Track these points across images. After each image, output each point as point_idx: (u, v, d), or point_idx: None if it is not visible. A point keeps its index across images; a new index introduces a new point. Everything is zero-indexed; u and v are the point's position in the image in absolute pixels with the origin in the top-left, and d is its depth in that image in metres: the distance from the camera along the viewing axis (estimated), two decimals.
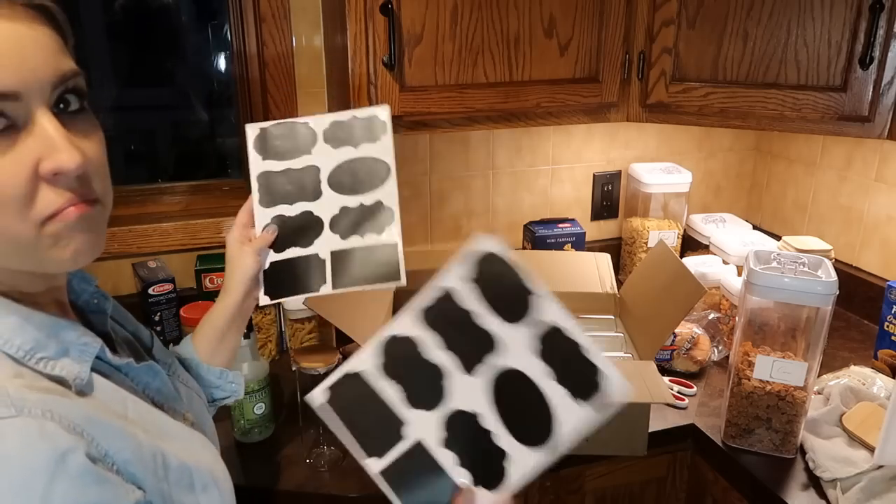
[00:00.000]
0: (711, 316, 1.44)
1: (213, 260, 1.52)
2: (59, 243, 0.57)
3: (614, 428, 1.13)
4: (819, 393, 1.23)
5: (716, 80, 1.32)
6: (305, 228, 0.91)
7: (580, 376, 0.66)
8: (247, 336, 1.16)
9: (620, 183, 1.85)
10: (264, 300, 0.90)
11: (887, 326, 1.37)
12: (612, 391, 0.64)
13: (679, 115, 1.37)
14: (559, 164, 1.79)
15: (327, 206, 0.91)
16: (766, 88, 1.28)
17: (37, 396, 0.53)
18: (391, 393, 0.70)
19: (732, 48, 1.29)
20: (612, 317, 1.48)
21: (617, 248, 1.85)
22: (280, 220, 0.91)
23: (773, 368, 1.08)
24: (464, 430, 0.68)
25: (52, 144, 0.54)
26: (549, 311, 0.69)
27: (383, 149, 0.90)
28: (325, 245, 0.90)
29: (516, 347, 0.68)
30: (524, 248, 1.77)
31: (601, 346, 1.38)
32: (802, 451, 1.13)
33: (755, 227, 1.80)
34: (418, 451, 0.68)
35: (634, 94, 1.39)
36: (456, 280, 0.69)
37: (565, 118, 1.39)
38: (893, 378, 1.31)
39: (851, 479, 1.04)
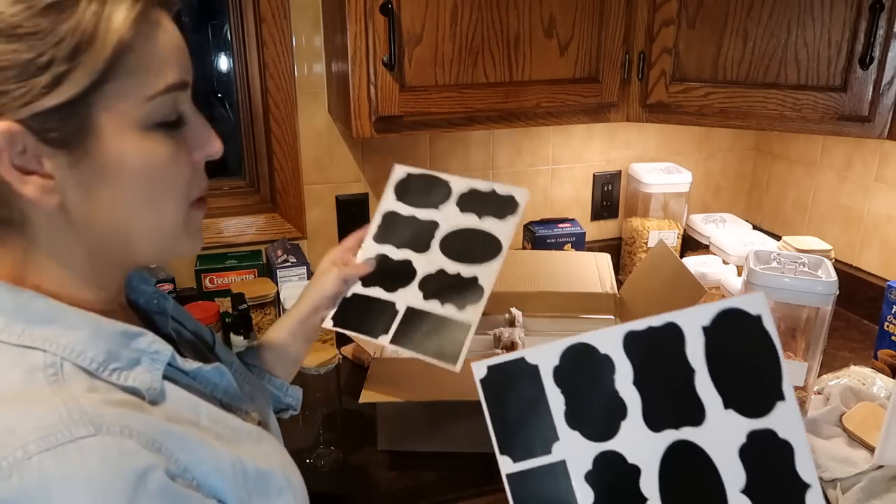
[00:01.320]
0: None
1: (213, 260, 1.53)
2: (193, 230, 0.62)
3: None
4: (819, 393, 1.23)
5: (716, 80, 1.32)
6: (397, 275, 0.90)
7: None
8: (247, 336, 1.16)
9: (620, 183, 1.85)
10: (328, 323, 0.90)
11: (887, 326, 1.37)
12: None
13: (679, 115, 1.37)
14: (559, 164, 1.79)
15: (428, 262, 0.90)
16: (766, 88, 1.28)
17: (114, 412, 0.51)
18: (557, 401, 0.62)
19: (732, 48, 1.29)
20: (612, 317, 1.48)
21: (617, 248, 1.85)
22: (381, 259, 0.91)
23: None
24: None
25: (205, 134, 0.61)
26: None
27: (505, 230, 0.88)
28: (405, 298, 0.89)
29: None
30: (524, 247, 1.77)
31: None
32: None
33: (755, 227, 1.80)
34: (559, 471, 0.62)
35: (634, 94, 1.39)
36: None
37: (565, 118, 1.39)
38: (893, 378, 1.31)
39: (851, 479, 1.04)
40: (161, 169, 0.57)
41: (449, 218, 0.91)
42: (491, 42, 1.27)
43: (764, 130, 1.68)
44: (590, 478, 0.60)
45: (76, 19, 0.49)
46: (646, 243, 1.74)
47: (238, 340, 1.16)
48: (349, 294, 0.90)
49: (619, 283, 1.52)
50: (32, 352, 0.53)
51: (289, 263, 1.49)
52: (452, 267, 0.89)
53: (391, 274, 0.90)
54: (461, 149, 1.69)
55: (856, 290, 1.59)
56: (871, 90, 1.18)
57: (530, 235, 1.71)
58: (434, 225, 0.91)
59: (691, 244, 1.78)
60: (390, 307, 0.88)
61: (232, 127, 1.66)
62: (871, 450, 1.08)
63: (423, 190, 0.93)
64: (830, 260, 1.20)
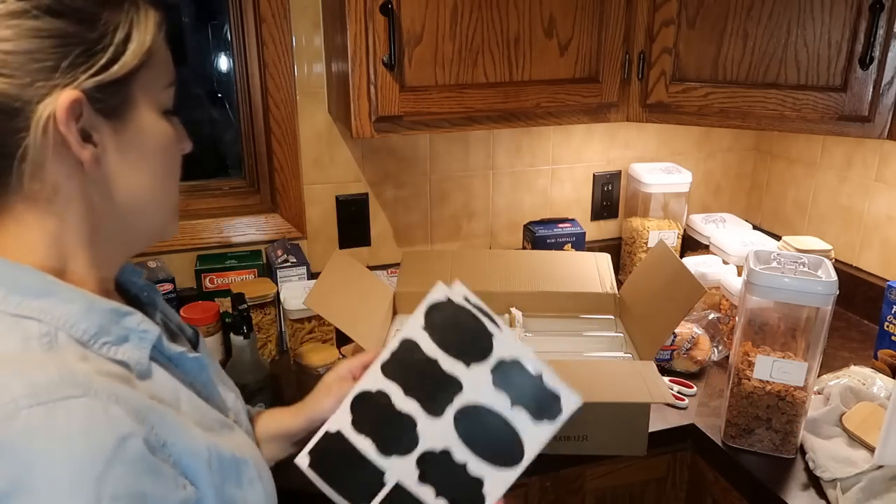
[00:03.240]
0: (711, 316, 1.44)
1: (212, 260, 1.53)
2: (177, 212, 0.70)
3: (614, 428, 1.13)
4: (819, 393, 1.23)
5: (716, 80, 1.32)
6: (396, 432, 0.75)
7: (536, 399, 0.73)
8: (247, 336, 1.16)
9: (620, 183, 1.85)
10: (303, 460, 0.78)
11: (887, 326, 1.37)
12: (566, 406, 0.72)
13: (679, 115, 1.37)
14: (559, 164, 1.79)
15: (435, 433, 0.74)
16: (766, 88, 1.28)
17: (103, 380, 0.54)
18: (366, 445, 0.76)
19: (732, 48, 1.29)
20: (612, 317, 1.48)
21: (617, 248, 1.85)
22: (383, 399, 0.76)
23: (773, 368, 1.08)
24: (438, 467, 0.74)
25: (182, 129, 0.68)
26: (504, 346, 0.74)
27: (535, 437, 0.72)
28: (398, 470, 0.74)
29: (477, 384, 0.74)
30: (524, 247, 1.77)
31: (601, 346, 1.38)
32: (802, 451, 1.13)
33: (755, 227, 1.80)
34: (399, 492, 0.74)
35: (634, 94, 1.39)
36: (414, 330, 0.77)
37: (565, 118, 1.39)
38: (893, 378, 1.31)
39: (851, 479, 1.04)
40: (170, 148, 0.66)
41: (476, 386, 0.74)
42: (491, 42, 1.27)
43: (764, 130, 1.68)
44: (423, 478, 0.74)
45: (126, 13, 0.59)
46: (646, 243, 1.74)
47: (238, 340, 1.16)
48: (334, 429, 0.77)
49: (619, 283, 1.52)
50: (28, 321, 0.55)
51: (289, 263, 1.48)
52: (461, 453, 0.74)
53: (389, 426, 0.76)
54: (461, 149, 1.69)
55: (856, 290, 1.59)
56: (871, 90, 1.18)
57: (530, 235, 1.71)
58: (456, 386, 0.74)
59: (691, 244, 1.78)
60: (378, 475, 0.75)
61: (232, 127, 1.66)
62: (871, 450, 1.08)
63: (460, 329, 0.75)
64: (830, 260, 1.20)
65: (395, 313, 1.47)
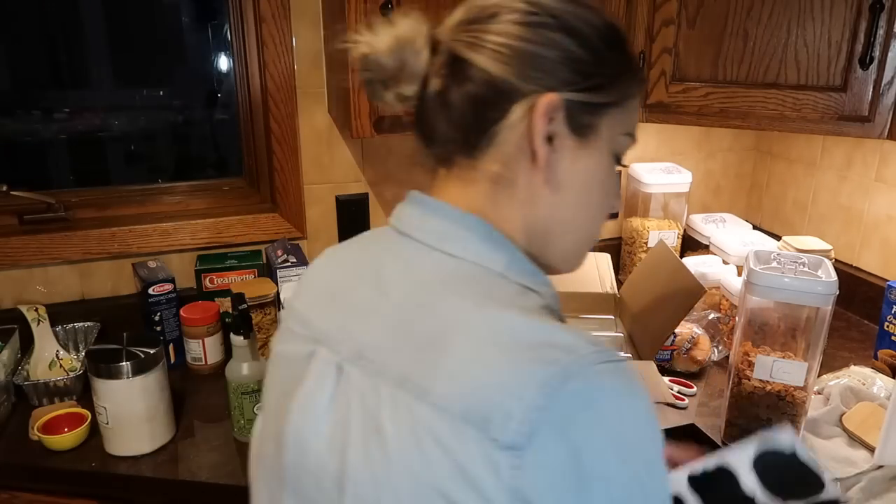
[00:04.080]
0: (711, 316, 1.44)
1: (213, 260, 1.53)
2: (581, 256, 0.75)
3: None
4: (819, 393, 1.23)
5: (716, 80, 1.32)
6: None
7: None
8: (247, 336, 1.16)
9: (620, 183, 1.85)
10: None
11: (887, 326, 1.37)
12: None
13: (679, 115, 1.37)
14: None
15: None
16: (766, 88, 1.28)
17: None
18: None
19: (732, 48, 1.29)
20: (612, 317, 1.48)
21: (617, 248, 1.85)
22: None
23: (773, 368, 1.08)
24: None
25: (618, 190, 0.75)
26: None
27: None
28: None
29: None
30: None
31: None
32: None
33: (755, 227, 1.80)
34: None
35: None
36: (739, 464, 0.75)
37: None
38: (893, 378, 1.31)
39: (851, 479, 1.04)
40: (607, 193, 0.67)
41: None
42: None
43: (764, 130, 1.68)
44: None
45: (625, 63, 0.64)
46: (646, 243, 1.73)
47: (238, 340, 1.16)
48: None
49: (619, 283, 1.52)
50: (530, 292, 0.61)
51: (289, 263, 1.49)
52: None
53: None
54: None
55: (856, 290, 1.59)
56: (871, 90, 1.18)
57: None
58: None
59: (691, 244, 1.78)
60: None
61: (232, 127, 1.66)
62: (871, 450, 1.08)
63: (787, 475, 0.74)
64: (830, 260, 1.20)
65: None
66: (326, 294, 0.66)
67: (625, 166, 0.68)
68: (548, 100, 0.59)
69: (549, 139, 0.61)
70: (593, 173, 0.65)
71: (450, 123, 0.63)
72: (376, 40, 0.63)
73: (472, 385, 0.51)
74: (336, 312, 0.63)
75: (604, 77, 0.62)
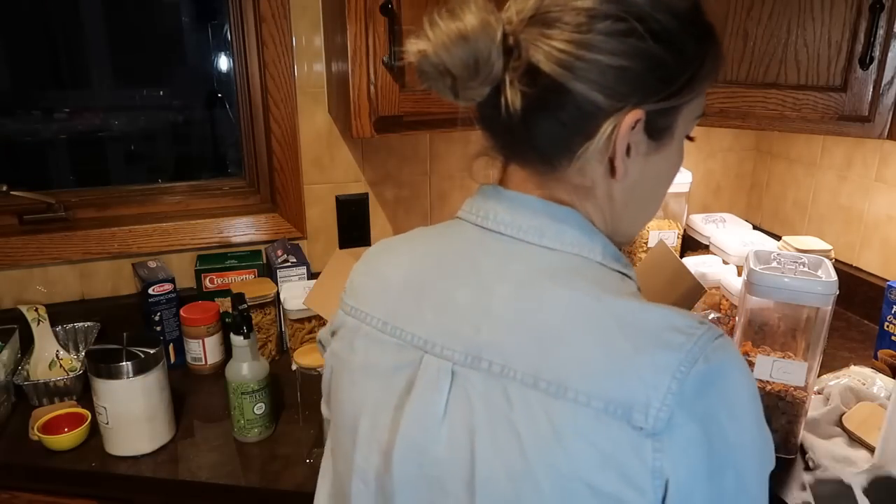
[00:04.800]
0: (711, 316, 1.44)
1: (213, 260, 1.53)
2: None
3: None
4: (819, 393, 1.23)
5: (716, 80, 1.32)
6: None
7: None
8: (247, 336, 1.16)
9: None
10: None
11: (887, 326, 1.37)
12: None
13: None
14: None
15: None
16: (766, 88, 1.28)
17: None
18: None
19: (732, 48, 1.29)
20: None
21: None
22: None
23: (773, 368, 1.08)
24: None
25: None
26: None
27: None
28: None
29: None
30: None
31: None
32: (802, 450, 1.13)
33: (755, 227, 1.80)
34: None
35: None
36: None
37: None
38: (893, 378, 1.31)
39: None
40: (671, 174, 0.67)
41: None
42: None
43: (764, 130, 1.68)
44: None
45: (708, 46, 0.61)
46: (646, 243, 1.73)
47: (238, 340, 1.16)
48: None
49: None
50: (627, 279, 0.62)
51: (289, 263, 1.49)
52: None
53: None
54: (461, 149, 1.69)
55: (856, 290, 1.59)
56: (871, 90, 1.18)
57: None
58: None
59: (691, 244, 1.78)
60: None
61: (232, 127, 1.66)
62: (871, 450, 1.08)
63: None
64: (830, 260, 1.20)
65: None
66: (412, 296, 0.63)
67: (692, 139, 0.68)
68: (634, 117, 0.58)
69: (627, 150, 0.60)
70: (666, 166, 0.65)
71: (529, 140, 0.60)
72: (437, 37, 0.57)
73: (609, 377, 0.52)
74: (434, 315, 0.61)
75: (689, 75, 0.60)
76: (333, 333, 0.72)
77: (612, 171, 0.60)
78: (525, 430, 0.53)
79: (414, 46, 0.59)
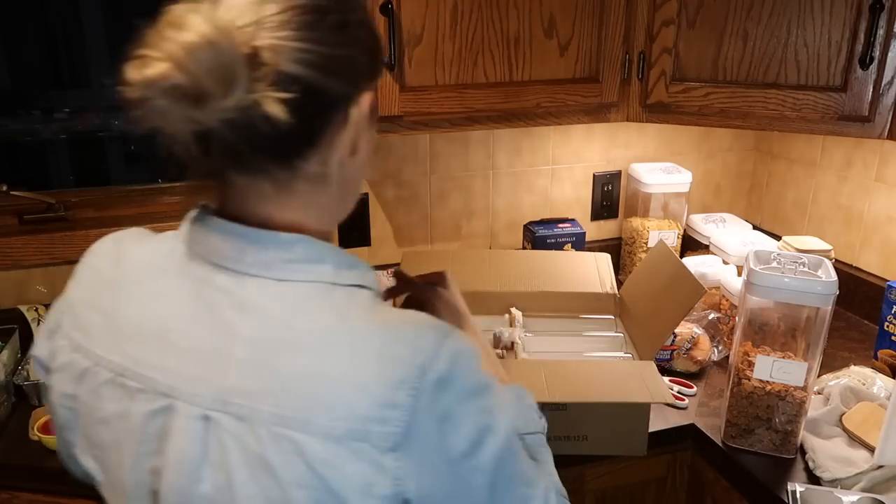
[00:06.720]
0: (711, 316, 1.44)
1: None
2: None
3: (614, 428, 1.13)
4: (819, 393, 1.23)
5: (716, 80, 1.32)
6: None
7: None
8: None
9: (620, 183, 1.85)
10: None
11: (887, 326, 1.37)
12: None
13: (679, 115, 1.37)
14: (559, 164, 1.79)
15: None
16: (766, 88, 1.28)
17: None
18: None
19: (732, 48, 1.29)
20: (612, 317, 1.48)
21: (617, 248, 1.85)
22: None
23: (773, 368, 1.08)
24: None
25: None
26: None
27: None
28: None
29: None
30: (524, 247, 1.76)
31: (601, 346, 1.38)
32: (802, 451, 1.13)
33: (755, 227, 1.80)
34: None
35: (634, 94, 1.39)
36: None
37: (565, 118, 1.39)
38: (893, 378, 1.31)
39: (851, 479, 1.04)
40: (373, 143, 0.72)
41: None
42: (491, 42, 1.27)
43: (764, 130, 1.68)
44: None
45: (372, 24, 0.66)
46: (646, 243, 1.73)
47: None
48: None
49: (619, 283, 1.52)
50: (360, 290, 0.63)
51: None
52: None
53: None
54: (461, 149, 1.69)
55: (856, 290, 1.59)
56: (871, 90, 1.18)
57: (530, 235, 1.71)
58: None
59: (691, 244, 1.78)
60: None
61: None
62: (871, 450, 1.08)
63: None
64: (830, 260, 1.20)
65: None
66: (152, 342, 0.61)
67: None
68: (369, 98, 0.63)
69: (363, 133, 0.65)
70: (373, 138, 0.69)
71: (272, 137, 0.57)
72: (174, 52, 0.53)
73: (347, 407, 0.55)
74: (178, 361, 0.60)
75: (380, 51, 0.66)
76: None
77: (354, 151, 0.64)
78: (281, 468, 0.56)
79: (148, 71, 0.53)
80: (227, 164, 0.61)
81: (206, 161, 0.60)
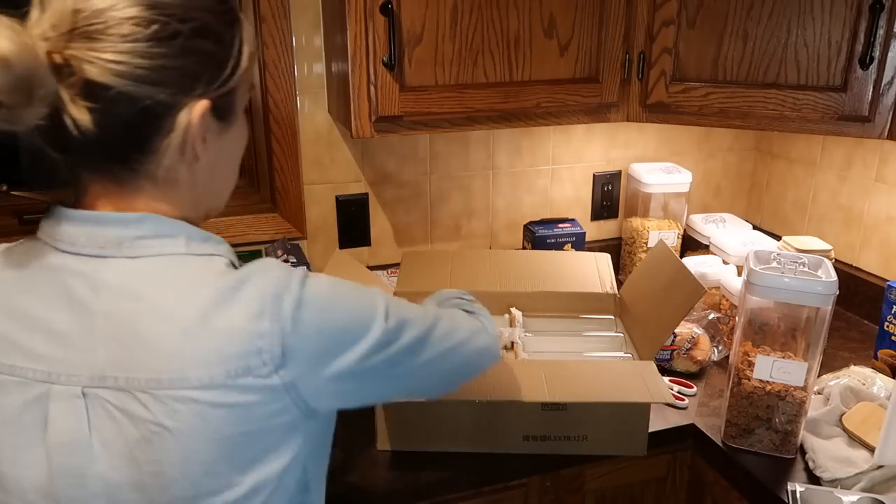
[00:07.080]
0: (711, 316, 1.44)
1: None
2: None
3: (614, 428, 1.13)
4: (819, 393, 1.23)
5: (716, 80, 1.32)
6: None
7: None
8: None
9: (620, 183, 1.85)
10: None
11: (887, 326, 1.37)
12: None
13: (679, 115, 1.37)
14: (559, 164, 1.79)
15: None
16: (766, 88, 1.28)
17: None
18: None
19: (732, 48, 1.29)
20: (612, 317, 1.48)
21: (617, 248, 1.85)
22: None
23: (773, 368, 1.08)
24: None
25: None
26: None
27: None
28: None
29: None
30: (524, 247, 1.76)
31: (601, 346, 1.38)
32: (802, 451, 1.13)
33: (755, 227, 1.80)
34: None
35: (634, 94, 1.39)
36: None
37: (565, 118, 1.39)
38: (893, 378, 1.31)
39: (851, 479, 1.04)
40: (243, 143, 0.77)
41: None
42: (491, 42, 1.27)
43: (764, 130, 1.68)
44: None
45: (240, 27, 0.68)
46: (646, 243, 1.73)
47: None
48: None
49: (619, 283, 1.52)
50: (215, 258, 0.67)
51: (289, 263, 1.48)
52: None
53: None
54: (461, 149, 1.69)
55: (856, 290, 1.59)
56: (871, 90, 1.18)
57: (530, 235, 1.71)
58: None
59: (691, 244, 1.78)
60: None
61: None
62: (871, 450, 1.08)
63: None
64: (830, 260, 1.20)
65: None
66: (14, 330, 0.63)
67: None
68: (202, 108, 0.64)
69: (203, 138, 0.66)
70: (236, 140, 0.74)
71: (108, 153, 0.63)
72: None
73: (217, 352, 0.60)
74: (47, 346, 0.62)
75: (234, 58, 0.67)
76: None
77: (194, 157, 0.66)
78: (176, 427, 0.59)
79: None
80: (62, 165, 0.65)
81: (52, 161, 0.64)
